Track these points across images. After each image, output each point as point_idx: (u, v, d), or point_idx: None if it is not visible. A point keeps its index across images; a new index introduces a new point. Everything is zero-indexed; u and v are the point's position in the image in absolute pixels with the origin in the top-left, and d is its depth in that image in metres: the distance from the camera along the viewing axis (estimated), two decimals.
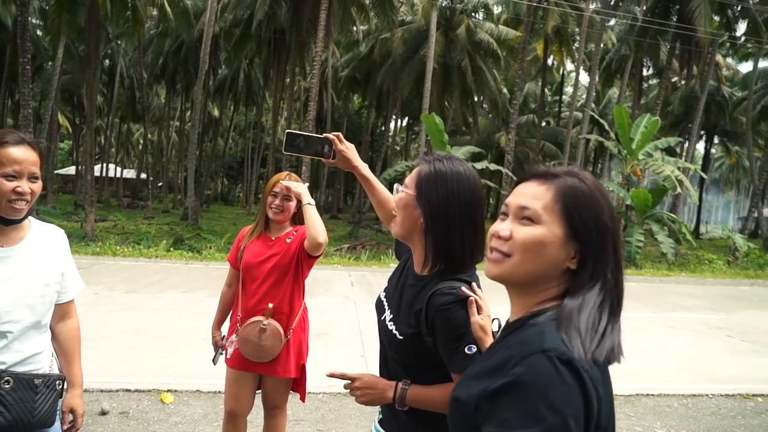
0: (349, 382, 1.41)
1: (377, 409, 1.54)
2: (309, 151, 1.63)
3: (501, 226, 0.97)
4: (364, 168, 1.69)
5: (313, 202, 2.42)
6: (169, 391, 4.03)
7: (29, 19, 16.01)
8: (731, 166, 49.09)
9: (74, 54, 25.01)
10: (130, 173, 44.28)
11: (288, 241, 2.54)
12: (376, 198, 1.78)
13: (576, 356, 0.83)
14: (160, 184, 37.13)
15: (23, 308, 1.57)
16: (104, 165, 35.54)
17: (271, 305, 2.49)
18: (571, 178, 0.96)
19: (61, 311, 1.78)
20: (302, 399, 2.71)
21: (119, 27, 22.45)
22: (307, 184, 2.56)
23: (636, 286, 11.01)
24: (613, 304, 0.94)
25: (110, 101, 32.49)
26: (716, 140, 36.01)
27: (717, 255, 16.93)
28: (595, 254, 0.92)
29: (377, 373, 1.49)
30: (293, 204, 2.54)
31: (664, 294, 10.19)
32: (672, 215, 16.20)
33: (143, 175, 39.32)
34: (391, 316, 1.44)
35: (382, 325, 1.47)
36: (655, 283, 11.69)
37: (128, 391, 4.01)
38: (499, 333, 1.07)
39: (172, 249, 12.95)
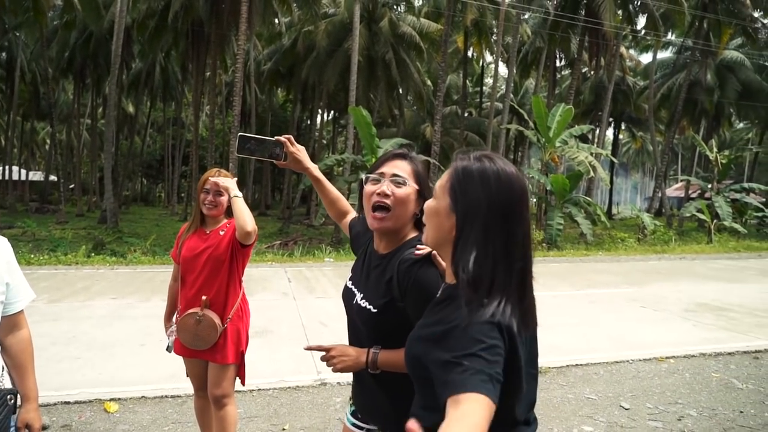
0: (325, 353, 1.53)
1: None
2: (261, 153, 1.66)
3: (428, 202, 1.26)
4: (315, 169, 1.78)
5: (240, 194, 2.57)
6: (112, 399, 3.91)
7: None
8: (637, 150, 52.99)
9: None
10: (36, 175, 41.15)
11: (221, 233, 2.70)
12: (327, 198, 1.90)
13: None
14: (72, 186, 34.81)
15: None
16: (7, 167, 32.75)
17: (204, 297, 2.65)
18: (465, 160, 1.16)
19: (10, 323, 1.72)
20: (242, 383, 2.88)
21: (18, 17, 20.80)
22: (236, 178, 2.70)
23: (558, 267, 11.72)
24: (497, 273, 1.13)
25: (10, 98, 29.95)
26: (623, 126, 38.71)
27: (628, 234, 18.29)
28: (460, 224, 1.11)
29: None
30: (225, 198, 2.68)
31: (584, 272, 10.94)
32: (588, 198, 17.32)
33: (52, 177, 36.66)
34: (362, 296, 1.55)
35: (355, 307, 1.57)
36: (576, 263, 12.50)
37: (68, 403, 3.84)
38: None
39: (92, 254, 12.24)
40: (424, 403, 1.18)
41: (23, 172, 38.67)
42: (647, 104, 28.20)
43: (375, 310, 1.49)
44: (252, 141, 1.65)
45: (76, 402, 3.88)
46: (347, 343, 1.65)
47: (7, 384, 1.68)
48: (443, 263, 1.44)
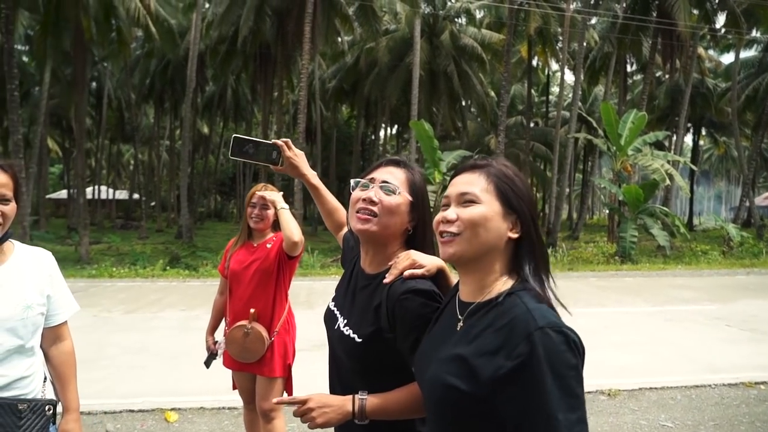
0: (300, 406, 1.27)
1: None
2: (256, 157, 1.57)
3: (447, 212, 1.11)
4: (312, 176, 1.66)
5: (287, 206, 2.59)
6: (173, 409, 4.02)
7: (14, 45, 16.00)
8: (720, 156, 49.57)
9: (61, 78, 24.96)
10: (122, 194, 44.07)
11: (268, 246, 2.73)
12: (325, 207, 1.79)
13: (564, 324, 0.97)
14: (153, 203, 36.99)
15: (3, 332, 1.55)
16: (96, 187, 35.32)
17: (253, 310, 2.67)
18: (497, 165, 1.13)
19: (53, 334, 1.76)
20: (289, 395, 2.81)
21: (105, 49, 22.48)
22: (282, 192, 2.72)
23: (633, 281, 11.07)
24: (547, 264, 1.12)
25: (99, 123, 32.41)
26: (704, 132, 36.35)
27: (711, 246, 17.04)
28: (529, 222, 1.08)
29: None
30: (271, 212, 2.71)
31: (661, 287, 10.25)
32: (665, 209, 16.32)
33: (135, 196, 39.15)
34: (345, 321, 1.40)
35: (335, 334, 1.41)
36: (652, 278, 11.76)
37: (132, 411, 4.00)
38: (461, 314, 1.11)
39: (168, 268, 12.90)
40: None
41: (110, 191, 41.55)
42: (730, 107, 26.31)
43: (359, 340, 1.32)
44: (247, 144, 1.54)
45: (140, 410, 4.02)
46: (327, 376, 1.47)
47: (49, 394, 1.71)
48: (450, 279, 1.33)
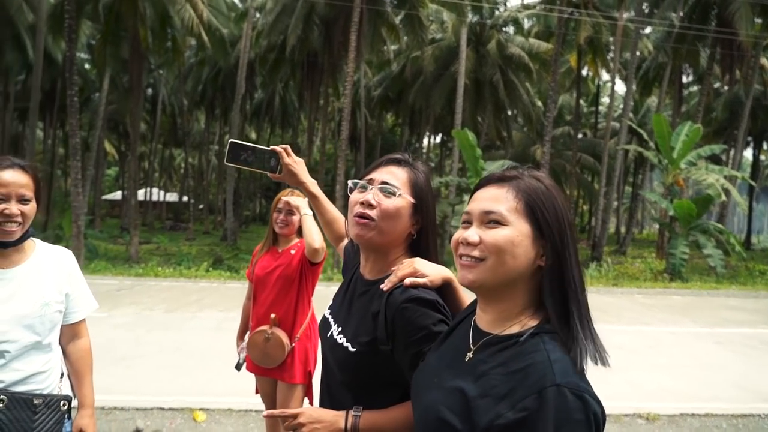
0: (291, 419, 1.22)
1: None
2: (254, 164, 1.49)
3: (468, 233, 0.96)
4: (312, 185, 1.59)
5: (310, 213, 2.55)
6: (201, 409, 4.09)
7: (76, 53, 16.90)
8: None
9: (119, 85, 26.19)
10: (172, 197, 45.65)
11: (292, 252, 2.74)
12: (324, 218, 1.71)
13: (587, 389, 0.83)
14: (201, 206, 38.15)
15: (21, 328, 1.59)
16: (148, 189, 36.81)
17: (273, 315, 2.67)
18: (528, 178, 0.97)
19: (71, 331, 1.80)
20: (311, 403, 2.83)
21: (160, 57, 23.43)
22: (308, 199, 2.64)
23: (681, 300, 10.57)
24: (584, 300, 0.95)
25: (153, 128, 33.80)
26: (765, 146, 34.52)
27: None
28: (561, 250, 0.92)
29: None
30: (296, 218, 2.71)
31: (712, 308, 9.73)
32: (719, 225, 15.54)
33: (185, 198, 40.49)
34: (339, 329, 1.31)
35: (328, 342, 1.34)
36: (703, 297, 11.19)
37: (162, 409, 4.08)
38: (473, 344, 0.99)
39: (211, 269, 13.23)
40: None
41: (162, 193, 43.15)
42: None
43: (353, 350, 1.23)
44: (244, 150, 1.46)
45: (170, 408, 4.10)
46: (318, 388, 1.38)
47: (66, 390, 1.76)
48: (459, 293, 1.23)
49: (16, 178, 1.57)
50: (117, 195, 44.26)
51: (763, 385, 5.24)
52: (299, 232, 2.77)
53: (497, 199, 0.95)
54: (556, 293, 0.92)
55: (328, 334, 1.35)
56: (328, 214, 1.71)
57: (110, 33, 17.63)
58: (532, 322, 0.93)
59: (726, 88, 27.31)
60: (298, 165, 1.53)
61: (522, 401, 0.82)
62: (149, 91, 33.42)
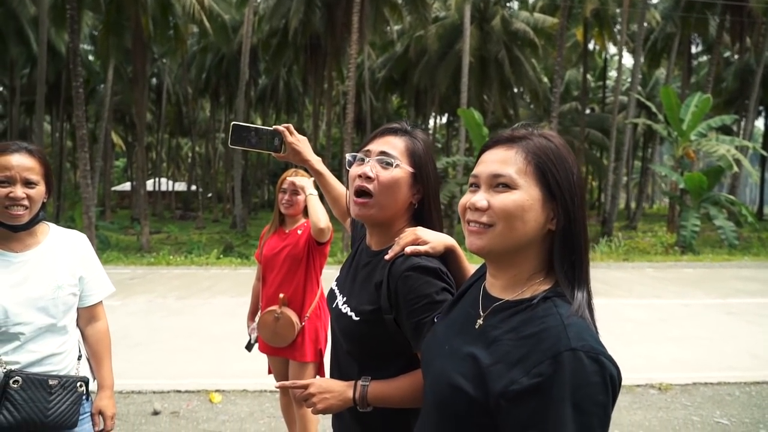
0: (302, 390, 1.24)
1: None
2: (258, 145, 1.50)
3: (476, 198, 0.93)
4: (317, 162, 1.58)
5: (315, 192, 2.54)
6: (217, 391, 4.15)
7: (80, 45, 16.89)
8: None
9: (123, 75, 26.18)
10: (181, 186, 45.91)
11: (299, 232, 2.75)
12: (331, 195, 1.70)
13: (602, 351, 0.81)
14: (209, 194, 38.33)
15: (34, 310, 1.60)
16: (157, 179, 36.99)
17: (282, 295, 2.69)
18: (538, 138, 0.93)
19: (88, 314, 1.82)
20: None
21: (163, 46, 23.37)
22: (312, 179, 2.62)
23: (693, 272, 10.51)
24: (588, 265, 0.94)
25: (159, 118, 33.83)
26: None
27: None
28: (573, 213, 0.90)
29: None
30: (301, 198, 2.71)
31: (724, 279, 9.68)
32: (730, 197, 15.38)
33: (193, 187, 40.71)
34: (344, 299, 1.32)
35: (334, 312, 1.35)
36: (715, 269, 11.13)
37: (179, 392, 4.15)
38: (483, 311, 0.98)
39: (222, 256, 13.34)
40: None
41: (170, 183, 43.37)
42: None
43: (357, 318, 1.24)
44: (248, 131, 1.48)
45: (187, 391, 4.17)
46: (328, 359, 1.40)
47: (84, 372, 1.77)
48: (462, 261, 1.24)
49: (22, 161, 1.57)
50: (126, 186, 44.59)
51: None
52: (306, 212, 2.76)
53: (506, 161, 0.92)
54: (566, 257, 0.91)
55: (334, 305, 1.36)
56: (335, 191, 1.70)
57: (112, 23, 17.58)
58: (544, 287, 0.92)
59: (736, 57, 26.85)
60: (301, 143, 1.53)
61: (537, 366, 0.80)
62: (154, 80, 33.40)
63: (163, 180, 40.58)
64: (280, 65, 27.76)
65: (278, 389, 2.99)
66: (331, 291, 1.44)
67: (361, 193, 1.25)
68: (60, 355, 1.68)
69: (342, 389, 1.22)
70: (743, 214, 14.60)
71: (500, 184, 0.91)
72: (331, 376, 1.35)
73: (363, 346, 1.26)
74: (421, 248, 1.17)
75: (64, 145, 31.70)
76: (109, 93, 24.30)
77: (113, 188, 40.34)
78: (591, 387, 0.77)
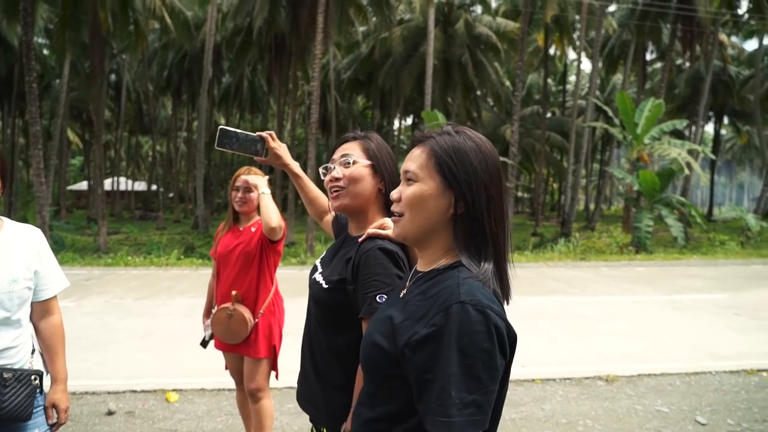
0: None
1: None
2: (241, 148, 1.63)
3: (393, 191, 1.09)
4: (295, 166, 1.77)
5: (268, 191, 2.62)
6: (174, 390, 4.13)
7: (34, 38, 16.31)
8: (742, 146, 48.39)
9: (80, 71, 25.40)
10: (141, 185, 44.74)
11: (253, 230, 2.79)
12: (308, 196, 1.87)
13: (490, 305, 0.92)
14: (171, 195, 37.53)
15: None
16: (115, 179, 35.95)
17: (234, 292, 2.73)
18: (443, 136, 1.06)
19: (42, 308, 1.82)
20: (276, 377, 2.92)
21: (123, 42, 22.75)
22: (268, 177, 2.74)
23: (645, 271, 10.94)
24: (498, 244, 1.02)
25: (118, 115, 32.89)
26: (726, 121, 35.54)
27: (730, 236, 16.73)
28: (470, 199, 1.00)
29: (299, 348, 1.58)
30: (255, 195, 2.75)
31: (672, 277, 10.12)
32: (681, 198, 16.05)
33: (154, 187, 39.77)
34: (321, 271, 1.53)
35: (311, 282, 1.54)
36: (665, 267, 11.61)
37: (134, 392, 4.11)
38: (409, 282, 1.12)
39: (182, 257, 13.12)
40: (379, 398, 1.06)
41: (130, 182, 42.23)
42: (753, 95, 25.69)
43: (326, 286, 1.45)
44: (233, 136, 1.61)
45: (143, 390, 4.14)
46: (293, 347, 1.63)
47: (37, 366, 1.78)
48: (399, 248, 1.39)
49: None
50: (83, 185, 43.13)
51: (715, 345, 5.53)
52: (260, 209, 2.81)
53: (412, 158, 1.07)
54: (467, 236, 1.02)
55: (313, 277, 1.54)
56: (311, 192, 1.87)
57: (69, 16, 17.01)
58: (455, 260, 1.04)
59: (687, 64, 27.97)
60: (281, 148, 1.71)
61: (432, 318, 0.93)
62: (113, 77, 32.48)
63: (123, 179, 39.48)
64: (245, 64, 27.39)
65: (236, 386, 3.01)
66: (314, 266, 1.61)
67: (334, 191, 1.48)
68: (14, 349, 1.69)
69: None
70: (693, 215, 15.27)
71: (408, 178, 1.06)
72: (302, 342, 1.56)
73: (327, 310, 1.45)
74: (382, 232, 1.37)
75: (16, 141, 30.49)
76: (65, 89, 23.50)
77: (69, 187, 38.98)
78: (476, 335, 0.88)
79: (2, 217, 1.75)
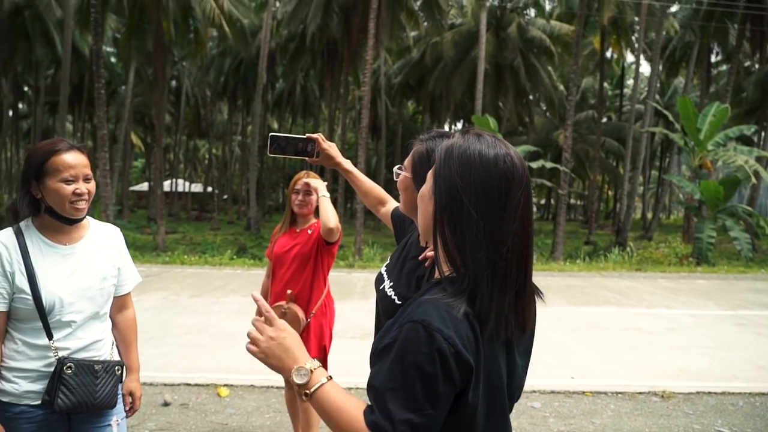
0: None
1: None
2: (293, 152, 1.68)
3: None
4: (346, 163, 1.82)
5: (327, 195, 2.69)
6: (225, 385, 4.26)
7: (103, 47, 17.29)
8: None
9: (144, 77, 26.68)
10: (197, 187, 46.49)
11: (309, 232, 2.84)
12: (361, 188, 1.91)
13: (440, 328, 0.87)
14: (225, 196, 38.77)
15: (85, 300, 1.73)
16: (174, 180, 37.50)
17: (290, 291, 2.79)
18: (453, 137, 1.02)
19: (119, 303, 1.94)
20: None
21: (183, 49, 23.79)
22: (326, 182, 2.81)
23: (706, 284, 10.42)
24: (498, 270, 0.92)
25: (178, 120, 34.35)
26: None
27: None
28: (439, 204, 0.96)
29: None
30: (314, 198, 2.82)
31: (737, 291, 9.59)
32: (748, 208, 15.19)
33: (209, 189, 41.19)
34: (391, 284, 1.47)
35: (381, 294, 1.51)
36: (729, 281, 11.01)
37: (188, 385, 4.27)
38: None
39: (235, 257, 13.52)
40: None
41: (187, 184, 43.93)
42: None
43: (399, 302, 1.38)
44: (284, 140, 1.66)
45: (196, 384, 4.29)
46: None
47: (116, 357, 1.90)
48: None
49: (80, 158, 1.70)
50: (144, 186, 45.24)
51: None
52: (316, 212, 2.87)
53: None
54: (446, 248, 0.96)
55: (381, 287, 1.52)
56: (363, 185, 1.91)
57: (134, 26, 17.98)
58: (446, 272, 0.97)
59: (757, 66, 26.48)
60: (332, 148, 1.76)
61: (391, 332, 0.93)
62: (173, 83, 33.94)
63: (180, 181, 41.13)
64: (297, 70, 28.06)
65: (285, 383, 3.08)
66: (380, 275, 1.58)
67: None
68: (101, 342, 1.81)
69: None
70: (761, 225, 14.41)
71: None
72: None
73: None
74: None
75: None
76: (129, 94, 24.77)
77: (131, 188, 40.97)
78: (420, 356, 0.86)
79: (88, 217, 1.86)
